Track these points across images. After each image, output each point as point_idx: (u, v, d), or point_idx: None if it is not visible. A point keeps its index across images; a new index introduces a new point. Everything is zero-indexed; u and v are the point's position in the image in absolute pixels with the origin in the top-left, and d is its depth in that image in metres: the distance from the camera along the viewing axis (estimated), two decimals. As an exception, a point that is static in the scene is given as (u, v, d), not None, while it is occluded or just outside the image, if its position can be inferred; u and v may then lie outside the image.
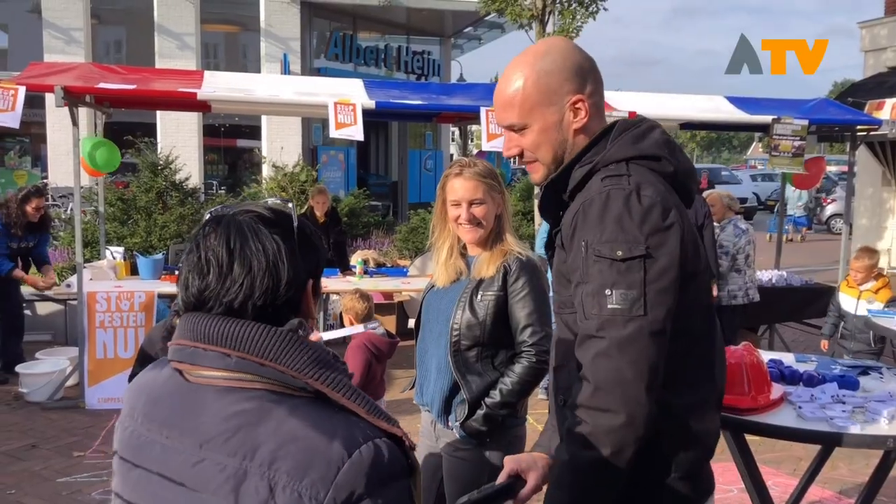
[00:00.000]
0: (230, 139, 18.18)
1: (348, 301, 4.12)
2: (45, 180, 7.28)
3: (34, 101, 14.39)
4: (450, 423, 2.39)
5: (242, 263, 1.10)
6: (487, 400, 2.31)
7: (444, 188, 2.44)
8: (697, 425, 1.47)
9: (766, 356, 2.80)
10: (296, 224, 1.17)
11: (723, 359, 1.61)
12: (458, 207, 2.40)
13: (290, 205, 1.22)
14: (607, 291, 1.39)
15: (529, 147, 1.59)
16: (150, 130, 14.26)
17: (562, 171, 1.56)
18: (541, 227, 6.33)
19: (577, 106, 1.54)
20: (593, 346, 1.41)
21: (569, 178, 1.56)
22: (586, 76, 1.55)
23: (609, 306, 1.39)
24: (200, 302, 1.11)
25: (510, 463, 1.63)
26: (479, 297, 2.37)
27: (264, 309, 1.10)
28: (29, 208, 6.24)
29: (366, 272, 7.05)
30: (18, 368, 5.92)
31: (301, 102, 6.08)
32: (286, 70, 15.93)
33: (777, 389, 2.46)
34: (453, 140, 30.91)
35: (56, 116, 13.86)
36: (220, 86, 6.04)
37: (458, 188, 2.40)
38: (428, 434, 2.53)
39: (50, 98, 5.57)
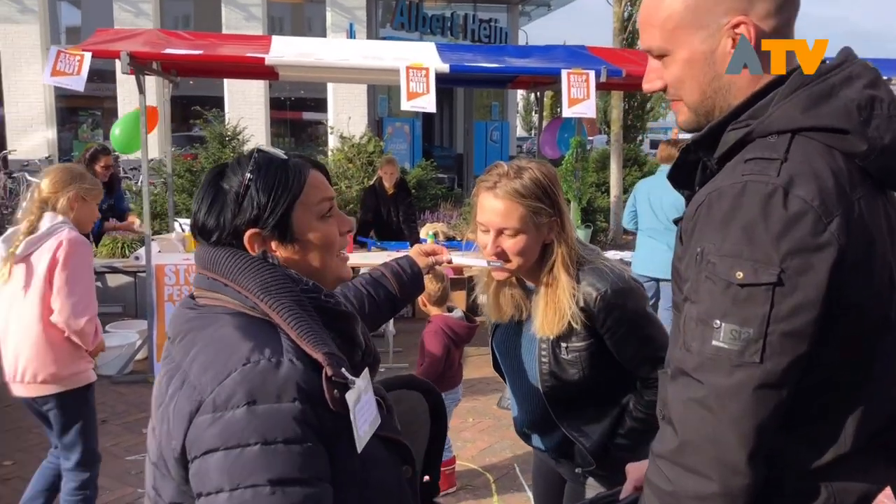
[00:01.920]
0: (296, 111, 18.13)
1: None
2: (116, 153, 7.29)
3: (105, 76, 14.56)
4: (575, 470, 2.00)
5: (202, 199, 1.26)
6: (617, 441, 1.91)
7: (476, 200, 1.87)
8: (834, 484, 1.11)
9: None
10: (246, 178, 1.23)
11: None
12: (485, 233, 1.83)
13: (256, 155, 1.27)
14: (715, 322, 1.04)
15: (672, 81, 1.21)
16: (217, 103, 14.25)
17: (708, 131, 1.17)
18: (630, 198, 5.86)
19: (737, 31, 1.12)
20: (687, 389, 1.08)
21: (717, 139, 1.16)
22: None
23: (714, 343, 1.04)
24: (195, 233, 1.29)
25: (634, 472, 1.43)
26: (562, 351, 1.85)
27: (221, 241, 1.23)
28: (98, 167, 6.10)
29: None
30: (90, 341, 5.88)
31: (371, 67, 5.79)
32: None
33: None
34: (518, 112, 30.31)
35: (126, 90, 13.96)
36: (288, 51, 5.80)
37: (487, 209, 1.81)
38: (544, 455, 2.15)
39: (121, 71, 5.41)
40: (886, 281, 1.09)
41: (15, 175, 11.22)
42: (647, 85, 1.26)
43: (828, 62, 1.16)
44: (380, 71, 5.84)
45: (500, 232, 1.80)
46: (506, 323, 2.03)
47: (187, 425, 1.08)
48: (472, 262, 1.91)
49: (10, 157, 12.16)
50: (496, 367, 2.17)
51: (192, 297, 1.29)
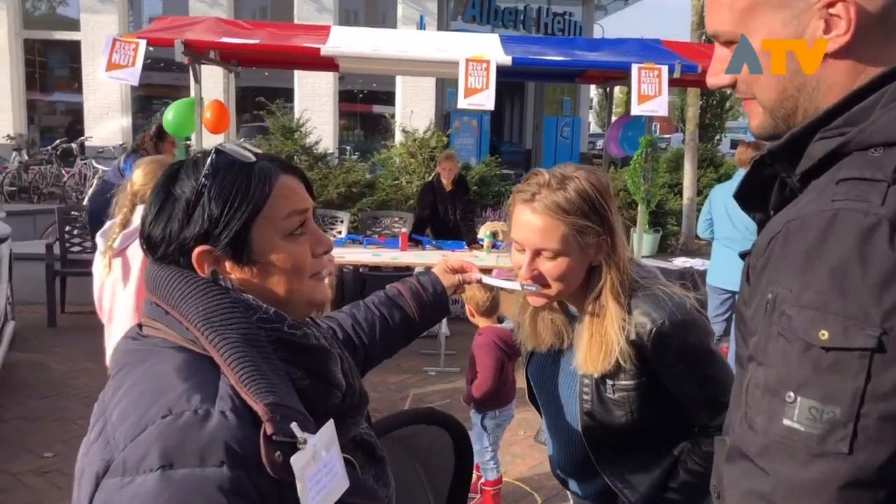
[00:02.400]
0: (366, 105, 18.15)
1: (469, 290, 3.60)
2: (187, 142, 7.30)
3: (181, 65, 14.87)
4: None
5: (151, 204, 1.06)
6: (668, 496, 1.65)
7: (511, 212, 1.60)
8: None
9: None
10: (199, 183, 1.02)
11: None
12: (521, 252, 1.56)
13: (215, 155, 1.04)
14: (788, 395, 0.79)
15: (743, 75, 0.96)
16: (288, 96, 14.36)
17: (789, 140, 0.90)
18: (706, 205, 5.46)
19: (832, 11, 0.87)
20: (748, 477, 0.82)
21: (801, 150, 0.90)
22: None
23: (785, 422, 0.79)
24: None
25: None
26: (608, 390, 1.59)
27: (167, 257, 1.04)
28: (167, 144, 5.97)
29: (494, 246, 6.51)
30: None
31: (430, 59, 5.58)
32: (422, 32, 15.60)
33: None
34: (591, 108, 29.67)
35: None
36: (347, 41, 5.64)
37: (523, 225, 1.54)
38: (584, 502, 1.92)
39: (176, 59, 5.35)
40: None
41: (86, 161, 11.52)
42: (713, 79, 1.00)
43: None
44: (439, 63, 5.63)
45: (537, 253, 1.53)
46: (543, 350, 1.78)
47: (93, 489, 0.89)
48: (504, 284, 1.66)
49: (86, 143, 12.49)
50: (531, 398, 1.92)
51: (139, 325, 1.09)
